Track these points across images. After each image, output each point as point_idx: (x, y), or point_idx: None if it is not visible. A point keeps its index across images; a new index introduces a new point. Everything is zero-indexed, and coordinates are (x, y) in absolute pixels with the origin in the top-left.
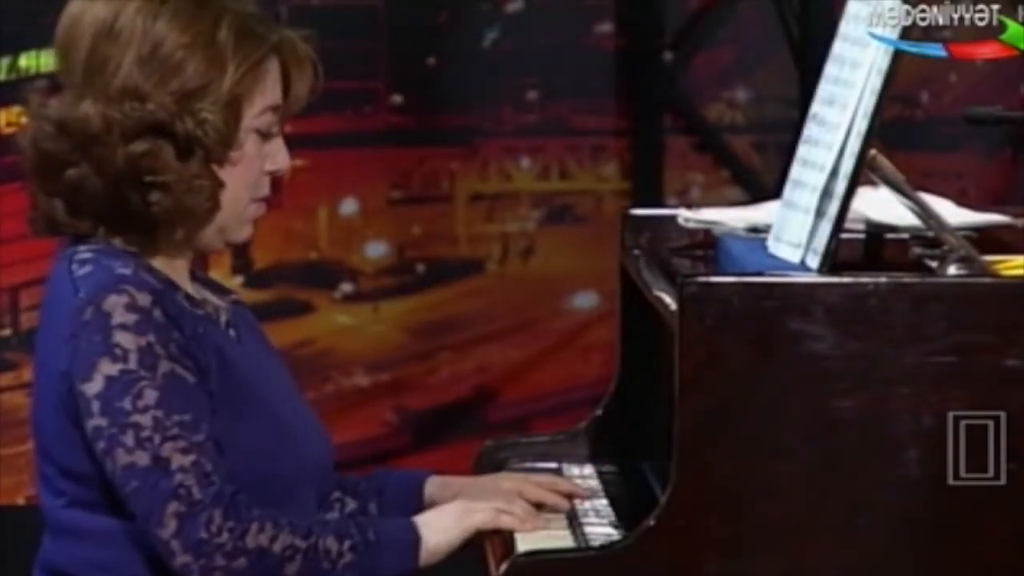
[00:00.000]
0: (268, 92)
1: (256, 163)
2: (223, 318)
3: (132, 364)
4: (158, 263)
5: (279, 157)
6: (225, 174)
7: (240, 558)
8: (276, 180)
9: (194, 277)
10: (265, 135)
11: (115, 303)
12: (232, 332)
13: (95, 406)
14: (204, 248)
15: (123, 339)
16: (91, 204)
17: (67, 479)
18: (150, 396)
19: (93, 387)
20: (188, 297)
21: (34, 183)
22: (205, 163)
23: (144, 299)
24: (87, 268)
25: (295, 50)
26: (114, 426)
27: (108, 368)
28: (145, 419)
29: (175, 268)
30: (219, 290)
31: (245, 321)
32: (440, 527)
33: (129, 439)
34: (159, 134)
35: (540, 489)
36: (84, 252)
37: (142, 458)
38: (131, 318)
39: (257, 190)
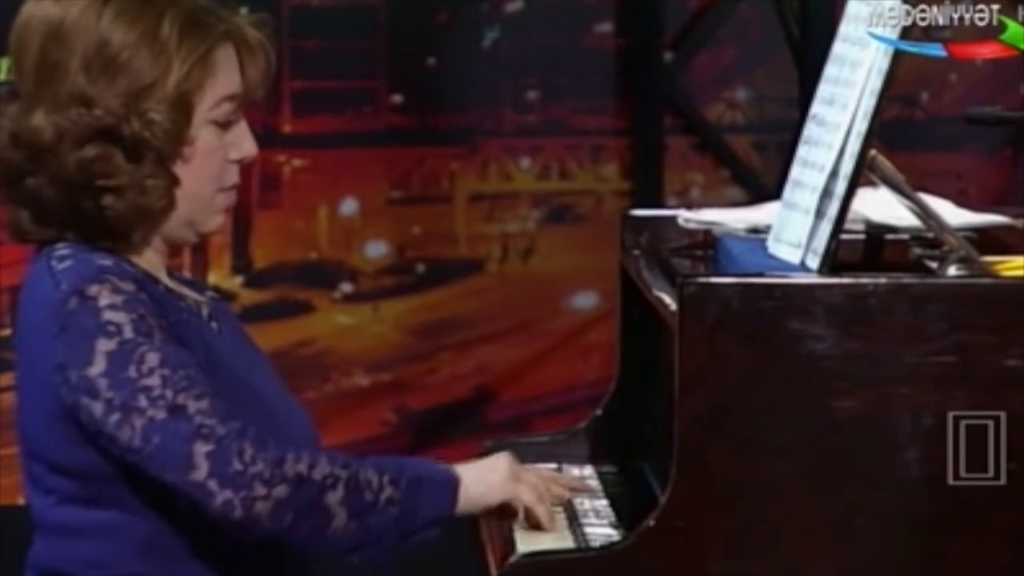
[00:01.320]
0: (221, 82)
1: (217, 154)
2: (204, 311)
3: (128, 334)
4: (133, 260)
5: (244, 145)
6: (182, 170)
7: (280, 485)
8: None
9: (170, 275)
10: (224, 125)
11: (99, 289)
12: (214, 324)
13: (102, 384)
14: (176, 242)
15: (113, 316)
16: (52, 212)
17: (58, 475)
18: (153, 359)
19: (95, 368)
20: (168, 290)
21: (1, 192)
22: (158, 162)
23: (128, 286)
24: (67, 263)
25: (244, 37)
26: (125, 394)
27: (105, 346)
28: (153, 380)
29: (151, 264)
30: (197, 287)
31: (225, 316)
32: (487, 480)
33: (142, 401)
34: (107, 139)
35: (560, 488)
36: (63, 249)
37: (159, 413)
38: (118, 298)
39: (223, 180)
